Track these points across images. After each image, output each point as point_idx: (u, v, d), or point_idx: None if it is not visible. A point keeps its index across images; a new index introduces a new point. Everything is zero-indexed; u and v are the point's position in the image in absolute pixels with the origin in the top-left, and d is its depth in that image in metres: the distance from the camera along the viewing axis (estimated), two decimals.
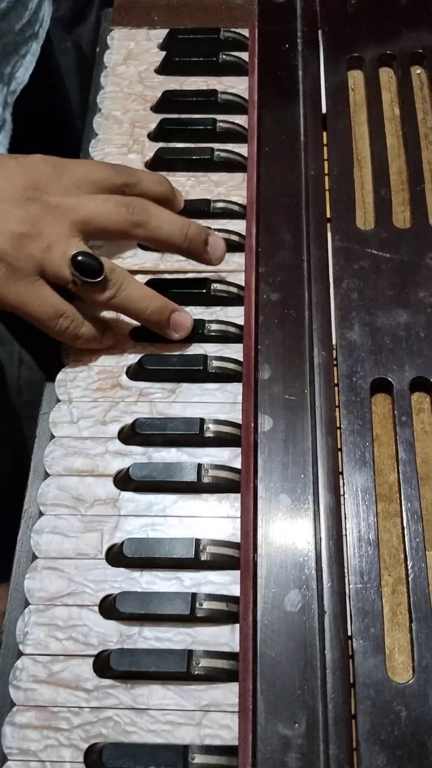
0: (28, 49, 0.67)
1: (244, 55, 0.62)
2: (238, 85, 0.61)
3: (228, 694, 0.40)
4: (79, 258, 0.46)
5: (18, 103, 0.65)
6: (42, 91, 0.69)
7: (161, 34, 0.64)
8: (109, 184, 0.49)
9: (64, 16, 1.09)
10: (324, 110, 0.58)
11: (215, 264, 0.51)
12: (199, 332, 0.50)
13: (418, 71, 0.60)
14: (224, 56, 0.62)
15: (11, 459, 0.97)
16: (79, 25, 1.10)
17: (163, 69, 0.62)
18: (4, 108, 0.65)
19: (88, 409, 0.48)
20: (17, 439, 0.99)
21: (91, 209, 0.47)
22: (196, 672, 0.40)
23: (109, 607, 0.42)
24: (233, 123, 0.58)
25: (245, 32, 0.63)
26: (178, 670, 0.40)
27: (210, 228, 0.54)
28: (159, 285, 0.51)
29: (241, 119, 0.59)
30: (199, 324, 0.50)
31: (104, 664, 0.41)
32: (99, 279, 0.46)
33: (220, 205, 0.55)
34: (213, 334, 0.50)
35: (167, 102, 0.60)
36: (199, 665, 0.40)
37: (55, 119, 0.83)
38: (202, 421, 0.47)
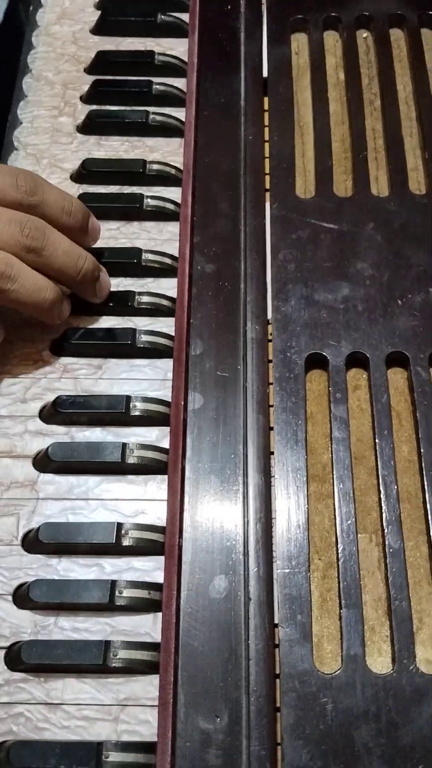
0: None
1: (184, 17, 0.59)
2: (177, 47, 0.58)
3: (148, 687, 0.38)
4: None
5: None
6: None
7: None
8: (2, 196, 0.42)
9: None
10: (265, 74, 0.55)
11: (96, 302, 0.47)
12: (129, 305, 0.47)
13: (365, 35, 0.58)
14: (163, 17, 0.59)
15: None
16: None
17: (99, 29, 0.59)
18: None
19: (6, 386, 0.45)
20: None
21: None
22: (114, 664, 0.38)
23: (22, 596, 0.39)
24: (170, 86, 0.55)
25: None
26: (94, 662, 0.37)
27: (144, 195, 0.51)
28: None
29: (179, 82, 0.56)
30: (129, 296, 0.48)
31: (16, 657, 0.38)
32: None
33: (155, 167, 0.52)
34: (144, 306, 0.47)
35: (101, 63, 0.57)
36: (117, 657, 0.38)
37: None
38: (128, 398, 0.44)
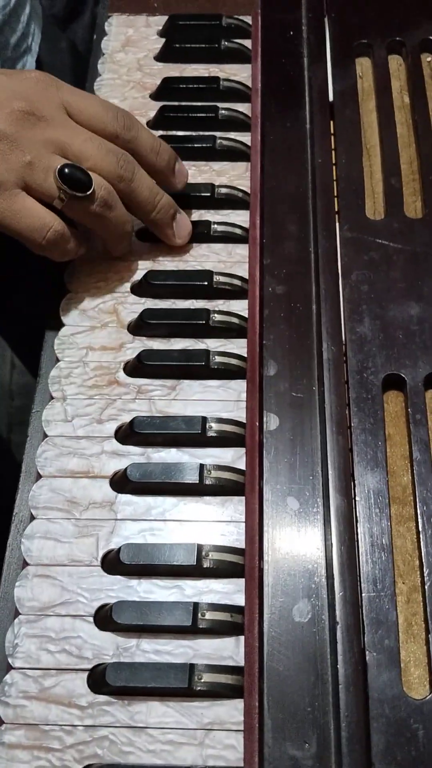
0: (24, 64, 0.65)
1: (247, 43, 0.60)
2: (240, 73, 0.59)
3: (232, 711, 0.37)
4: (67, 170, 0.44)
5: None
6: None
7: (161, 20, 0.62)
8: (102, 126, 0.46)
9: (58, 13, 1.06)
10: (331, 98, 0.56)
11: (177, 243, 0.50)
12: (202, 324, 0.47)
13: (429, 59, 0.58)
14: (226, 43, 0.59)
15: None
16: (73, 22, 1.08)
17: (163, 56, 0.60)
18: None
19: (83, 406, 0.46)
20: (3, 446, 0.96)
21: (82, 145, 0.45)
22: (198, 687, 0.37)
23: (104, 618, 0.39)
24: (235, 111, 0.56)
25: (248, 19, 0.61)
26: (179, 685, 0.37)
27: (211, 220, 0.51)
28: (159, 276, 0.49)
29: (243, 107, 0.57)
30: (201, 315, 0.48)
31: (99, 679, 0.38)
32: (87, 193, 0.44)
33: (223, 191, 0.52)
34: (216, 326, 0.48)
35: (167, 89, 0.57)
36: (202, 680, 0.37)
37: None
38: (204, 419, 0.44)
